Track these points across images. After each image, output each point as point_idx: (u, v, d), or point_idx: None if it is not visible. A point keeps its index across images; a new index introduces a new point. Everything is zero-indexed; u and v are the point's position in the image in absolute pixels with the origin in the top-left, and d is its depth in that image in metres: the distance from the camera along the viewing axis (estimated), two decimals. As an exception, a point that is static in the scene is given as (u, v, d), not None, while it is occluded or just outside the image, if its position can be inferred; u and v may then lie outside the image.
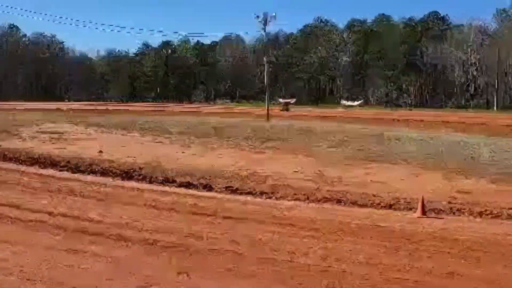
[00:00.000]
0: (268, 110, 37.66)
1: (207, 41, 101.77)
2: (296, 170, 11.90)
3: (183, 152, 15.00)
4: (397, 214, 8.13)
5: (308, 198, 9.01)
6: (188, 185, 9.99)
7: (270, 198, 9.16)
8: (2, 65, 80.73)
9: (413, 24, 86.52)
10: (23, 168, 12.10)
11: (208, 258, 5.74)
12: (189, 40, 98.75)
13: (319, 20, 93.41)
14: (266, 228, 7.08)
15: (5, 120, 26.79)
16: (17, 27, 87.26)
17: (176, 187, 9.99)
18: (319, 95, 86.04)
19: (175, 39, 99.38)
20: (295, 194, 9.28)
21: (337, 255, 5.89)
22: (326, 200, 8.93)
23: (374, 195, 9.16)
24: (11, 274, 5.09)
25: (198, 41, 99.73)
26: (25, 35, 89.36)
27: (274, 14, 39.84)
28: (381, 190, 9.60)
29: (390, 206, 8.53)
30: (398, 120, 37.34)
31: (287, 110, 51.43)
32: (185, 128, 23.90)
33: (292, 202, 8.84)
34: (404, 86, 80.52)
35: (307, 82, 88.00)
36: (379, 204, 8.64)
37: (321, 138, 19.93)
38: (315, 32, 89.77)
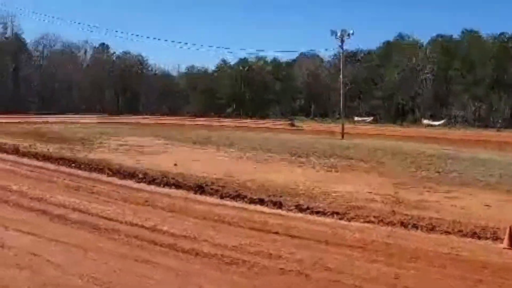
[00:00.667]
0: (343, 128, 37.02)
1: (284, 58, 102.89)
2: (370, 191, 11.45)
3: (255, 168, 15.08)
4: (480, 244, 7.47)
5: (381, 221, 8.59)
6: (258, 202, 9.95)
7: (341, 219, 8.86)
8: (94, 81, 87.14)
9: (505, 39, 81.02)
10: (103, 178, 12.80)
11: (274, 277, 5.63)
12: (265, 57, 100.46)
13: (400, 36, 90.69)
14: (335, 249, 6.83)
15: (91, 133, 28.77)
16: (107, 46, 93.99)
17: (247, 203, 9.99)
18: (399, 113, 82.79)
19: (252, 56, 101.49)
20: (367, 216, 8.90)
21: (409, 284, 5.50)
22: (401, 224, 8.45)
23: (454, 222, 8.52)
24: (82, 278, 5.31)
25: (274, 58, 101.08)
26: (114, 53, 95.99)
27: (351, 31, 39.29)
28: (462, 216, 8.93)
29: (472, 235, 7.87)
30: (485, 141, 34.96)
31: (292, 125, 52.10)
32: (258, 144, 24.13)
33: (364, 224, 8.47)
34: (494, 104, 74.97)
35: (386, 100, 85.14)
36: (460, 231, 8.00)
37: (398, 158, 19.13)
38: (396, 48, 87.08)
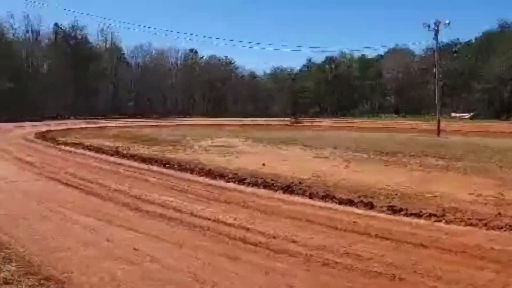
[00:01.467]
0: (439, 125, 35.01)
1: (372, 54, 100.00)
2: (471, 192, 10.63)
3: (345, 168, 14.74)
4: None
5: (485, 225, 7.92)
6: (348, 202, 9.70)
7: (438, 221, 8.31)
8: (184, 85, 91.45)
9: None
10: (195, 178, 13.28)
11: (366, 280, 5.43)
12: (352, 54, 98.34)
13: (503, 25, 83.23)
14: (432, 253, 6.41)
15: (179, 135, 30.10)
16: (196, 51, 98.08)
17: (336, 203, 9.78)
18: (504, 108, 75.64)
19: (338, 54, 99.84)
20: (469, 218, 8.26)
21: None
22: (510, 227, 7.72)
23: None
24: (179, 273, 5.51)
25: (362, 55, 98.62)
26: (202, 57, 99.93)
27: (447, 21, 36.86)
28: None
29: None
30: None
31: (298, 123, 48.63)
32: (347, 143, 23.61)
33: (465, 228, 7.87)
34: None
35: (488, 95, 78.34)
36: None
37: (502, 157, 17.60)
38: (498, 38, 79.92)
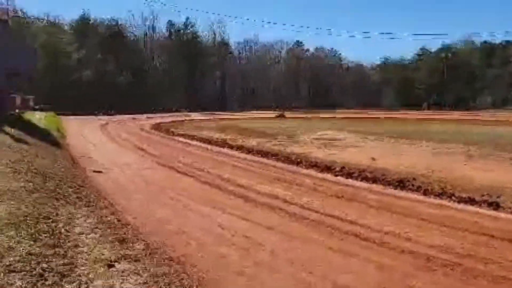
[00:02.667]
0: None
1: (496, 40, 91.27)
2: None
3: (464, 164, 13.68)
4: None
5: None
6: (468, 201, 8.99)
7: None
8: (289, 78, 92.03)
9: None
10: (302, 170, 13.29)
11: (491, 285, 4.97)
12: (473, 41, 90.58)
13: None
14: None
15: (286, 128, 30.31)
16: (301, 43, 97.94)
17: (454, 201, 9.13)
18: None
19: (456, 40, 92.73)
20: None
21: None
22: None
23: None
24: (290, 263, 5.55)
25: (485, 42, 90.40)
26: (307, 50, 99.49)
27: None
28: None
29: None
30: None
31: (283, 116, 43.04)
32: (462, 138, 21.90)
33: None
34: None
35: None
36: None
37: None
38: None
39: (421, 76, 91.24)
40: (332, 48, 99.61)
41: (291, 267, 5.48)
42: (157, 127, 32.41)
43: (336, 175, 12.30)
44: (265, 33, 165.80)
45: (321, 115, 52.24)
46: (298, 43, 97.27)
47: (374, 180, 11.26)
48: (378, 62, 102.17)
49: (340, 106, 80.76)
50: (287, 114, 56.07)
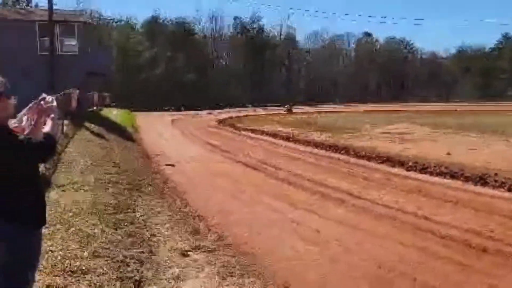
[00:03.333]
0: None
1: None
2: None
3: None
4: None
5: None
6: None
7: None
8: (358, 70, 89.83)
9: None
10: (372, 165, 12.94)
11: None
12: None
13: None
14: None
15: (355, 122, 29.65)
16: (370, 34, 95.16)
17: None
18: None
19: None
20: None
21: None
22: None
23: None
24: (361, 256, 5.42)
25: None
26: (377, 41, 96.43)
27: None
28: None
29: None
30: None
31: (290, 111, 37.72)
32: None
33: None
34: None
35: None
36: None
37: None
38: None
39: (503, 65, 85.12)
40: (404, 38, 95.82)
41: (367, 263, 5.35)
42: (223, 122, 33.03)
43: (409, 170, 11.85)
44: (333, 25, 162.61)
45: (392, 108, 50.53)
46: (367, 34, 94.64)
47: (452, 176, 10.72)
48: (454, 51, 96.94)
49: (413, 99, 77.66)
50: (356, 107, 54.93)
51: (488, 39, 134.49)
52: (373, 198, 8.61)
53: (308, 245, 5.90)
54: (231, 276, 4.45)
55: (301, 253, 5.60)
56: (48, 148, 2.50)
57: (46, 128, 2.55)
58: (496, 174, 10.18)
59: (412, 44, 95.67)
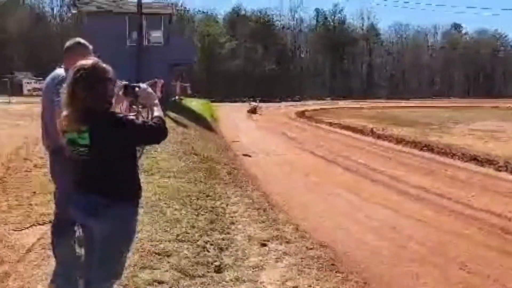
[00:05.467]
0: None
1: None
2: None
3: None
4: None
5: None
6: None
7: None
8: (444, 64, 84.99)
9: None
10: (457, 163, 12.27)
11: None
12: None
13: None
14: None
15: (440, 117, 28.16)
16: (459, 26, 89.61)
17: None
18: None
19: None
20: None
21: None
22: None
23: None
24: (444, 258, 5.21)
25: None
26: (466, 33, 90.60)
27: None
28: None
29: None
30: None
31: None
32: None
33: None
34: None
35: None
36: None
37: None
38: None
39: None
40: (496, 30, 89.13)
41: (446, 260, 5.13)
42: (301, 114, 32.92)
43: (499, 169, 11.08)
44: (418, 16, 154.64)
45: (481, 104, 47.37)
46: (456, 26, 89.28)
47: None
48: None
49: (503, 95, 72.20)
50: (441, 103, 52.20)
51: None
52: (459, 198, 8.17)
53: (383, 243, 5.76)
54: (309, 268, 4.46)
55: (379, 250, 5.48)
56: (164, 130, 2.68)
57: (156, 113, 2.74)
58: None
59: (505, 37, 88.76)
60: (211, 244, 4.80)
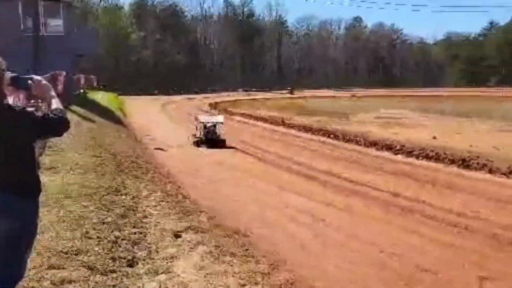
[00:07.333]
0: None
1: None
2: None
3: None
4: None
5: None
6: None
7: None
8: (347, 56, 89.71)
9: None
10: (360, 148, 13.12)
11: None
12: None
13: None
14: None
15: (346, 107, 29.80)
16: (360, 19, 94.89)
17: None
18: None
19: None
20: None
21: None
22: None
23: None
24: (346, 234, 5.58)
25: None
26: (366, 26, 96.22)
27: None
28: None
29: None
30: None
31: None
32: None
33: None
34: None
35: None
36: None
37: None
38: None
39: (489, 52, 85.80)
40: (393, 24, 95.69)
41: (347, 238, 5.50)
42: (214, 106, 32.95)
43: (396, 154, 12.05)
44: (323, 10, 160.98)
45: (382, 94, 50.75)
46: (357, 20, 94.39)
47: (436, 159, 10.94)
48: (442, 38, 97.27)
49: (402, 85, 77.91)
50: (347, 93, 55.07)
51: (475, 26, 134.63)
52: (360, 180, 8.80)
53: (300, 228, 6.03)
54: (224, 255, 4.54)
55: (294, 233, 5.74)
56: (66, 121, 2.58)
57: (54, 105, 2.61)
58: (478, 157, 10.42)
59: (401, 30, 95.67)
60: (123, 239, 4.69)
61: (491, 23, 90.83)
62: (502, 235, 5.63)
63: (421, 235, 5.72)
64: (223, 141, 13.37)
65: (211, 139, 13.28)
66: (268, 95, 52.89)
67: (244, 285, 3.93)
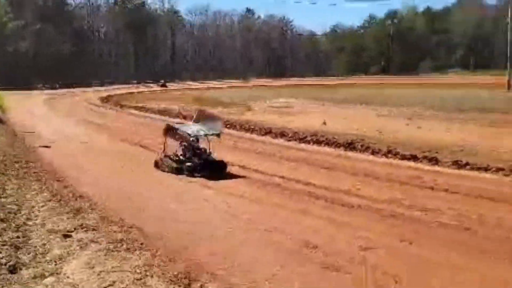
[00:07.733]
0: (509, 79, 32.88)
1: (438, 6, 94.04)
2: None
3: (407, 125, 14.34)
4: None
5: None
6: (411, 158, 9.52)
7: (507, 175, 8.01)
8: (241, 47, 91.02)
9: None
10: (257, 137, 13.48)
11: (432, 230, 5.38)
12: (416, 7, 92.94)
13: None
14: (502, 207, 6.22)
15: (241, 96, 30.30)
16: (252, 11, 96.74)
17: (399, 159, 9.67)
18: None
19: (401, 7, 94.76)
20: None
21: None
22: None
23: None
24: (243, 218, 5.75)
25: (428, 7, 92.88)
26: (258, 18, 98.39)
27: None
28: None
29: None
30: None
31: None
32: (409, 101, 22.82)
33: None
34: None
35: None
36: None
37: None
38: None
39: (369, 43, 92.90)
40: (283, 16, 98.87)
41: (246, 223, 5.66)
42: (105, 100, 31.51)
43: (290, 140, 12.58)
44: (217, 1, 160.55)
45: (276, 84, 52.40)
46: (249, 11, 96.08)
47: (326, 143, 11.63)
48: (329, 30, 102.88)
49: (293, 74, 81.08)
50: (241, 83, 55.93)
51: (359, 19, 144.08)
52: (259, 168, 8.98)
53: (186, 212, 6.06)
54: (117, 251, 4.42)
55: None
56: None
57: None
58: (362, 140, 11.30)
59: (291, 22, 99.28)
60: (4, 244, 4.34)
61: (370, 16, 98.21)
62: (383, 209, 6.18)
63: (311, 214, 6.07)
64: (224, 164, 8.69)
65: (212, 163, 8.54)
66: (163, 86, 51.85)
67: (139, 279, 3.86)
